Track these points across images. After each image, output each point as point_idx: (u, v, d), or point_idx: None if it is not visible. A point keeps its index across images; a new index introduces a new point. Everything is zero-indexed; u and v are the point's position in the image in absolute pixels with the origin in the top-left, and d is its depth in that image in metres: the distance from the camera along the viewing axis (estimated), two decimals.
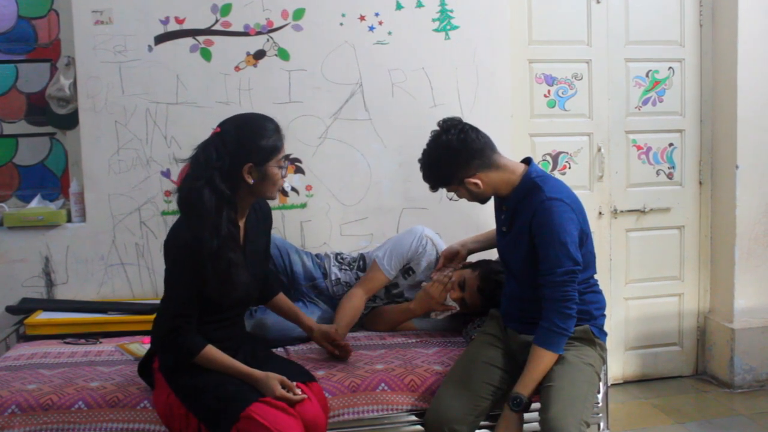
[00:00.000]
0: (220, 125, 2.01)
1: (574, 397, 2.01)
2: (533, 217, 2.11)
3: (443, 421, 2.08)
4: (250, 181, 1.96)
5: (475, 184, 2.17)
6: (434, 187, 2.26)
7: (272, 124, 2.03)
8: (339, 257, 2.82)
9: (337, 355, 2.36)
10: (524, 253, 2.15)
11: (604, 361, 2.23)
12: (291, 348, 2.52)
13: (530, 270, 2.14)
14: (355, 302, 2.59)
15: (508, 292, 2.32)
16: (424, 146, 2.24)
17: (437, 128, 2.23)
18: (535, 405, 2.13)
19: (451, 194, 2.29)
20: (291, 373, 2.05)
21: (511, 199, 2.19)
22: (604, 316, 2.26)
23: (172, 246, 1.96)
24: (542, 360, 2.07)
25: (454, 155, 2.15)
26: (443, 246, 2.72)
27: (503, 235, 2.26)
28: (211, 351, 1.96)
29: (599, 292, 2.27)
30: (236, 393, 1.91)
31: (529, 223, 2.12)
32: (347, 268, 2.76)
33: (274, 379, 1.95)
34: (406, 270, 2.70)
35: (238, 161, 1.95)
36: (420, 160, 2.25)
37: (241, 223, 2.07)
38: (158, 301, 2.19)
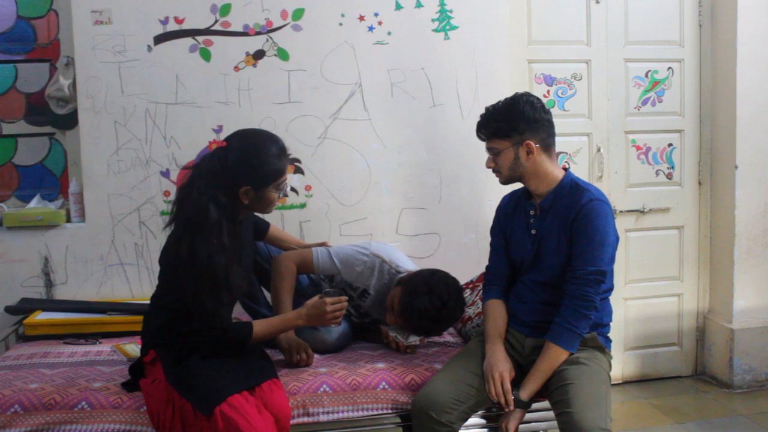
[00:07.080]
0: (227, 139, 2.03)
1: (596, 394, 2.00)
2: (577, 214, 2.10)
3: (428, 404, 2.05)
4: (245, 201, 2.02)
5: (529, 151, 2.15)
6: (488, 135, 2.20)
7: (276, 146, 2.05)
8: None
9: None
10: (554, 254, 2.14)
11: (611, 367, 2.23)
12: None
13: (557, 272, 2.14)
14: (287, 277, 2.45)
15: (519, 295, 2.28)
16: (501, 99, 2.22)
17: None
18: (536, 405, 2.13)
19: (488, 155, 2.23)
20: (260, 368, 2.06)
21: (548, 198, 2.18)
22: (609, 326, 2.26)
23: (189, 263, 1.92)
24: (551, 355, 2.07)
25: (532, 112, 2.15)
26: (406, 261, 2.55)
27: (530, 239, 2.22)
28: (257, 326, 2.07)
29: (608, 302, 2.26)
30: (223, 381, 1.93)
31: (570, 221, 2.11)
32: None
33: (320, 301, 2.12)
34: (362, 292, 2.54)
35: (237, 182, 1.99)
36: (491, 106, 2.21)
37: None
38: None
